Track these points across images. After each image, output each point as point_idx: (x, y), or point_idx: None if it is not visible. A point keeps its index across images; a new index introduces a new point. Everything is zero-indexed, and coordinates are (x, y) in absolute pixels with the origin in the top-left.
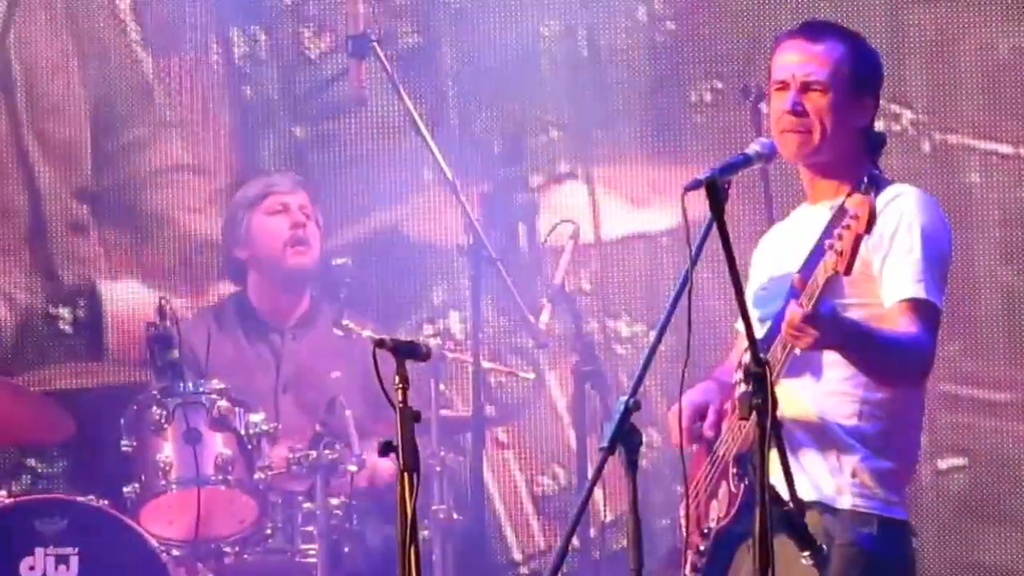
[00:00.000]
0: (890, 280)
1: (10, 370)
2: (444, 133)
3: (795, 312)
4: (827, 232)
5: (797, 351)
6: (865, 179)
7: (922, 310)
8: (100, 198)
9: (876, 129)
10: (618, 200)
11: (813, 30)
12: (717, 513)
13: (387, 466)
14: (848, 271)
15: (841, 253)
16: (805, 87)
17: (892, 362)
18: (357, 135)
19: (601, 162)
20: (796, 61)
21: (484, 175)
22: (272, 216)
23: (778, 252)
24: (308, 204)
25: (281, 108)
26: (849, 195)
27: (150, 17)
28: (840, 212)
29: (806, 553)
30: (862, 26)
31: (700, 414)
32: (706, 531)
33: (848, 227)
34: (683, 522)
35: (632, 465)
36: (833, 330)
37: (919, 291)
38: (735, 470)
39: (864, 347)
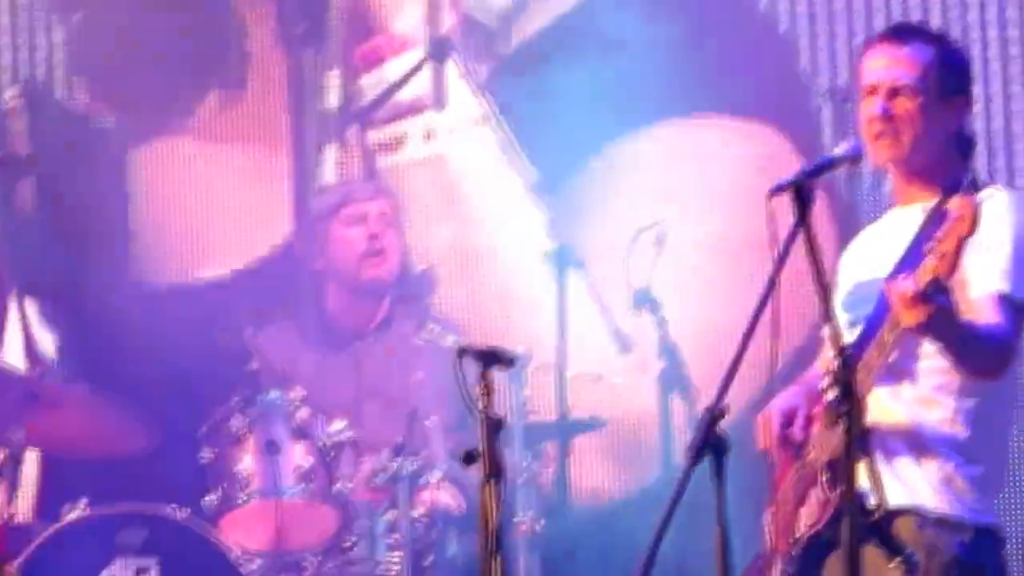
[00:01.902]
0: (978, 274)
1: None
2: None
3: (907, 287)
4: (923, 234)
5: (890, 359)
6: (965, 182)
7: (1008, 304)
8: None
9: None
10: (698, 203)
11: (900, 33)
12: (807, 520)
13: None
14: (950, 274)
15: (943, 256)
16: (894, 92)
17: (978, 352)
18: (434, 137)
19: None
20: (884, 65)
21: (568, 175)
22: (349, 227)
23: (868, 256)
24: (389, 210)
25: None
26: (944, 198)
27: None
28: (937, 214)
29: (896, 561)
30: None
31: (788, 420)
32: (795, 538)
33: (952, 229)
34: (769, 529)
35: (719, 472)
36: (939, 311)
37: (1006, 286)
38: (825, 477)
39: (958, 335)
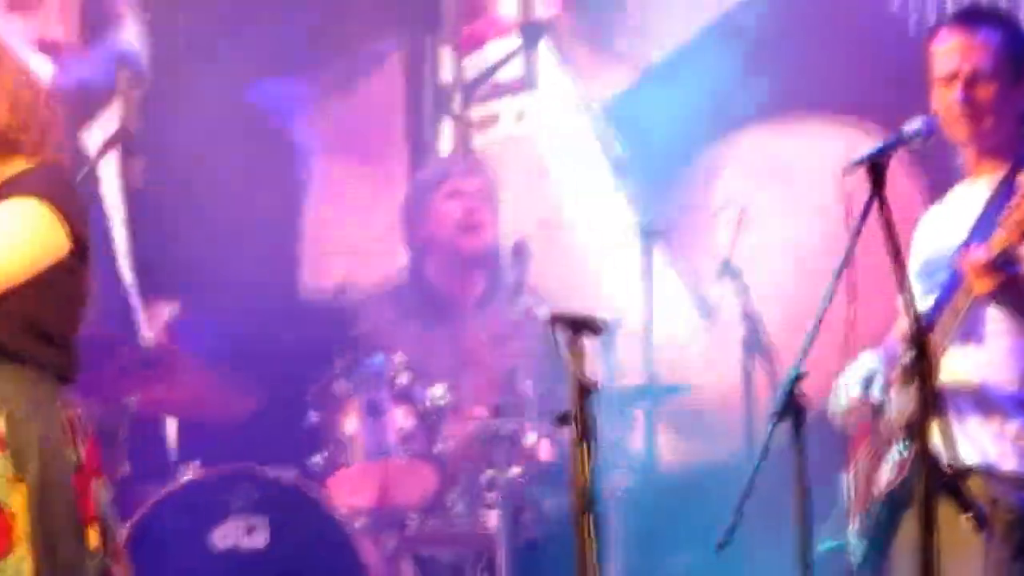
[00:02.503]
0: None
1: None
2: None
3: (980, 256)
4: (992, 206)
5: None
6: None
7: None
8: None
9: None
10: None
11: (971, 19)
12: (885, 478)
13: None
14: (1021, 242)
15: (1015, 226)
16: (974, 78)
17: None
18: (526, 117)
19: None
20: (959, 52)
21: (651, 153)
22: (448, 200)
23: (940, 228)
24: (485, 187)
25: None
26: (1012, 170)
27: None
28: (1006, 186)
29: (967, 516)
30: None
31: (867, 383)
32: (873, 494)
33: (1022, 201)
34: (849, 489)
35: (799, 434)
36: (1009, 279)
37: None
38: (902, 436)
39: None
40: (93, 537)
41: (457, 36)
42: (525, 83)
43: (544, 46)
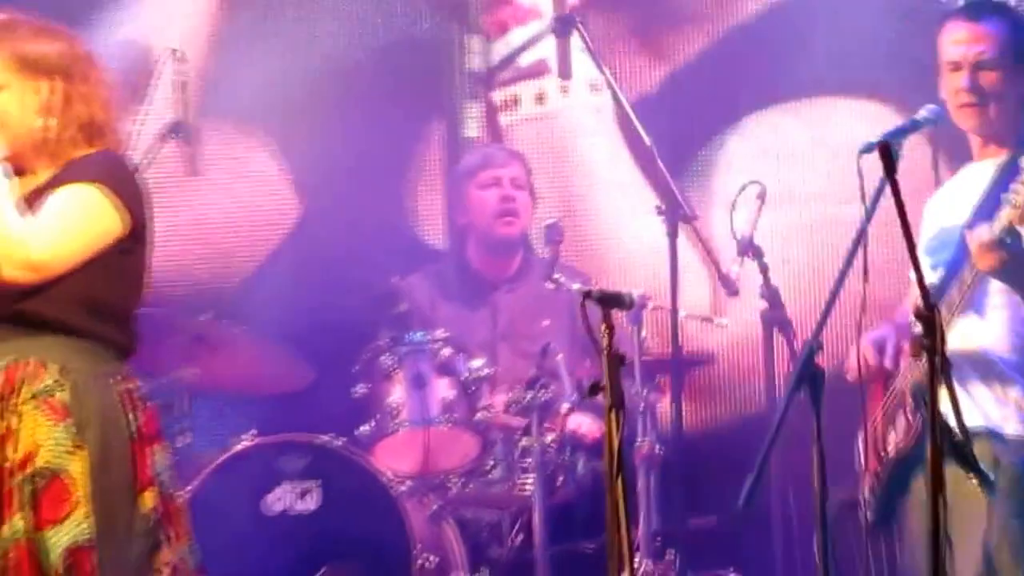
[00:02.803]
0: None
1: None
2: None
3: (984, 234)
4: (996, 186)
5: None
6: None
7: None
8: None
9: None
10: (799, 162)
11: (976, 9)
12: (895, 441)
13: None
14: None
15: (1019, 205)
16: (978, 67)
17: None
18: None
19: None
20: (965, 42)
21: (677, 138)
22: (485, 189)
23: (948, 206)
24: (522, 175)
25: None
26: (1015, 153)
27: None
28: (1010, 168)
29: (973, 477)
30: None
31: (880, 352)
32: (884, 456)
33: None
34: (863, 448)
35: (816, 400)
36: (1012, 256)
37: None
38: (911, 402)
39: None
40: (149, 499)
41: (484, 24)
42: (557, 70)
43: (576, 34)
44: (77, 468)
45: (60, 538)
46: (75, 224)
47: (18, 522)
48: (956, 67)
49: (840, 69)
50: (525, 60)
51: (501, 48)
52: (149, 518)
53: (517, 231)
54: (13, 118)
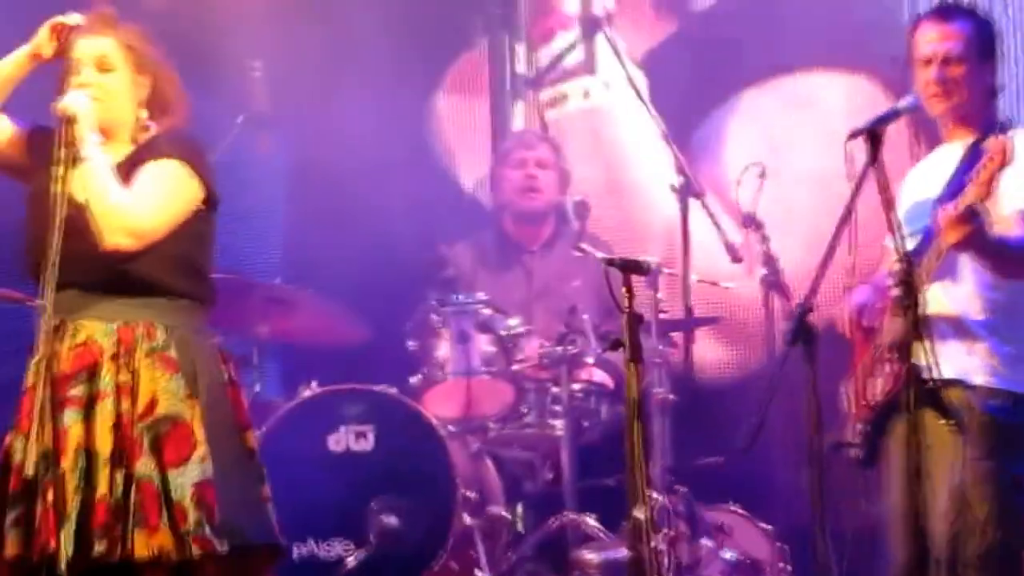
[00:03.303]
0: (1008, 194)
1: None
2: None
3: (950, 211)
4: (965, 165)
5: (941, 255)
6: (997, 124)
7: None
8: None
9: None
10: (796, 144)
11: (946, 11)
12: (880, 389)
13: None
14: (987, 198)
15: (981, 184)
16: (946, 61)
17: (1009, 260)
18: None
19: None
20: (936, 39)
21: (692, 124)
22: (514, 169)
23: (923, 181)
24: (548, 156)
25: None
26: (980, 137)
27: None
28: (975, 150)
29: (947, 421)
30: None
31: (863, 311)
32: (870, 403)
33: (988, 163)
34: (850, 396)
35: (810, 357)
36: (975, 230)
37: None
38: (893, 355)
39: (991, 247)
40: (250, 438)
41: (531, 32)
42: (586, 68)
43: (600, 36)
44: (192, 414)
45: (186, 477)
46: (167, 194)
47: (147, 463)
48: (927, 62)
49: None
50: (570, 61)
51: (547, 53)
52: (254, 453)
53: (540, 204)
54: (117, 102)
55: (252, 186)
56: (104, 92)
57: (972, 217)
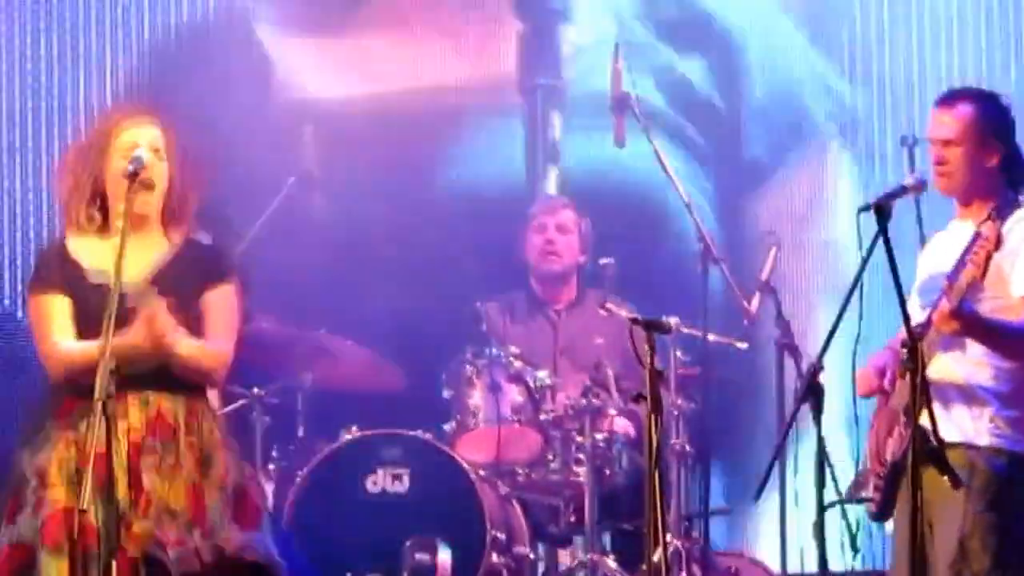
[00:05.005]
0: (1015, 279)
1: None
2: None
3: (944, 307)
4: (969, 246)
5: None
6: (994, 209)
7: None
8: None
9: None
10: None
11: (947, 98)
12: (893, 448)
13: None
14: (983, 279)
15: (977, 266)
16: (945, 143)
17: (1008, 344)
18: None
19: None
20: (936, 123)
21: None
22: (536, 233)
23: (935, 257)
24: (568, 221)
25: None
26: (988, 215)
27: None
28: (976, 234)
29: (948, 479)
30: None
31: (880, 373)
32: (885, 461)
33: (982, 247)
34: (866, 454)
35: (817, 413)
36: (970, 322)
37: None
38: (903, 418)
39: (992, 334)
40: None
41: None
42: (618, 144)
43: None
44: None
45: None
46: (234, 320)
47: None
48: (932, 144)
49: None
50: None
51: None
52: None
53: (559, 267)
54: (164, 186)
55: (300, 241)
56: (159, 179)
57: (962, 313)
